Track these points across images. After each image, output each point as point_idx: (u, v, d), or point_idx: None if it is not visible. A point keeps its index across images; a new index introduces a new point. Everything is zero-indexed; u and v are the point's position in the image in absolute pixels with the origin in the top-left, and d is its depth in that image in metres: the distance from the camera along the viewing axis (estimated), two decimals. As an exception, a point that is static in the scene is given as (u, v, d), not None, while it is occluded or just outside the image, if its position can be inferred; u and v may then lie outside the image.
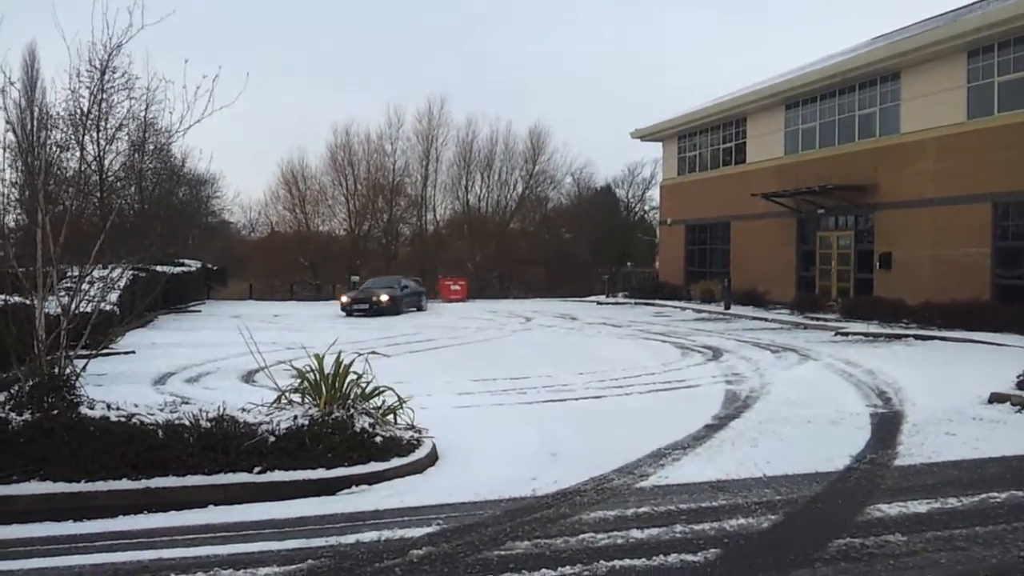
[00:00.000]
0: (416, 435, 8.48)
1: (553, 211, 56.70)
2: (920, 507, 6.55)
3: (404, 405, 8.92)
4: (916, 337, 19.42)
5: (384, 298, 30.01)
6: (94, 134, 29.47)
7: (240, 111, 10.17)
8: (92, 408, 7.62)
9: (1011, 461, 8.17)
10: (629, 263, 52.86)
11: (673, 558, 5.44)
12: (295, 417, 7.93)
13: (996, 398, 10.94)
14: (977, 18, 22.08)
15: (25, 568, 5.49)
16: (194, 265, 35.97)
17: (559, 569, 5.27)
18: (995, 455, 8.34)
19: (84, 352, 8.55)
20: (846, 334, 20.67)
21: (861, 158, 26.19)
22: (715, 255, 35.10)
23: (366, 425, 8.03)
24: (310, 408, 8.20)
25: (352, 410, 8.18)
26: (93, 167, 29.35)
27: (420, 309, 33.23)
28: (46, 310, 8.24)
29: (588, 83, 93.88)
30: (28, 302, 8.36)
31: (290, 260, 49.37)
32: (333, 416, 7.99)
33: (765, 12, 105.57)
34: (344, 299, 30.95)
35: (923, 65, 23.99)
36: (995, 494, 6.89)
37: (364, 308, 29.60)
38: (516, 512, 6.52)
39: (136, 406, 7.87)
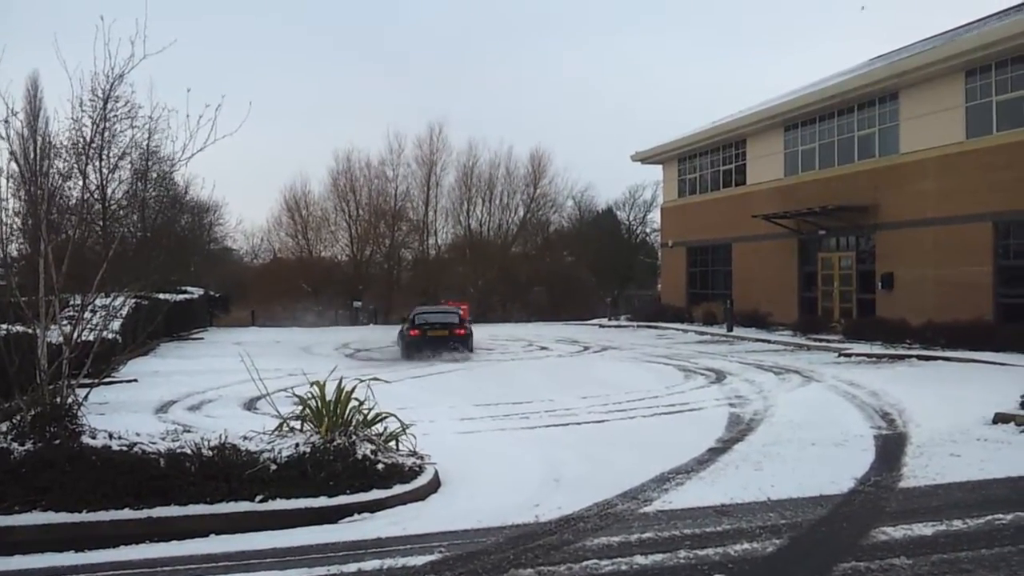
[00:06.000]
0: (418, 462, 8.45)
1: (555, 234, 56.80)
2: (925, 530, 6.52)
3: (406, 431, 8.90)
4: (919, 357, 19.38)
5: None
6: (97, 163, 29.59)
7: (242, 139, 10.22)
8: (94, 437, 7.61)
9: (1017, 482, 8.14)
10: (631, 286, 52.88)
11: (677, 584, 5.41)
12: (297, 445, 7.91)
13: (1000, 418, 10.91)
14: (974, 38, 22.21)
15: (26, 600, 5.46)
16: (196, 292, 35.99)
17: (563, 596, 5.23)
18: (1000, 476, 8.30)
19: (86, 381, 8.55)
20: (849, 355, 20.63)
21: (861, 178, 26.28)
22: (717, 277, 35.11)
23: (368, 452, 8.01)
24: (312, 435, 8.17)
25: (354, 437, 8.16)
26: (96, 196, 29.47)
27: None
28: (48, 339, 8.25)
29: (588, 107, 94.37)
30: (30, 331, 8.37)
31: (293, 286, 49.37)
32: (335, 443, 7.97)
33: (761, 34, 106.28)
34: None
35: (921, 85, 24.10)
36: (1001, 516, 6.85)
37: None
38: (519, 539, 6.49)
39: (138, 435, 7.85)
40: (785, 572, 5.69)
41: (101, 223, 29.23)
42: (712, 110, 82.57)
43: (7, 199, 9.11)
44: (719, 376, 17.18)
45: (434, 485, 8.14)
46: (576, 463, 9.23)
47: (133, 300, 18.15)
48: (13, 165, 15.34)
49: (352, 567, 5.88)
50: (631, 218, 58.45)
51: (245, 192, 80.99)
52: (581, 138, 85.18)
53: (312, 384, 8.79)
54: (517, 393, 15.09)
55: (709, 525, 6.80)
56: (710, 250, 35.58)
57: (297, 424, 8.62)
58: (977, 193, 21.86)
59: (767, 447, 9.89)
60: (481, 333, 33.36)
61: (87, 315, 8.80)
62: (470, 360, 22.13)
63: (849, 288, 27.52)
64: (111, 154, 30.78)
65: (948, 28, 29.79)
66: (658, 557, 5.97)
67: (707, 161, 35.82)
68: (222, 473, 7.41)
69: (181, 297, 31.34)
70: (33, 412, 7.69)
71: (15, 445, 7.29)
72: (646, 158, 39.90)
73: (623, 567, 5.79)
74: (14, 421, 7.71)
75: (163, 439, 7.88)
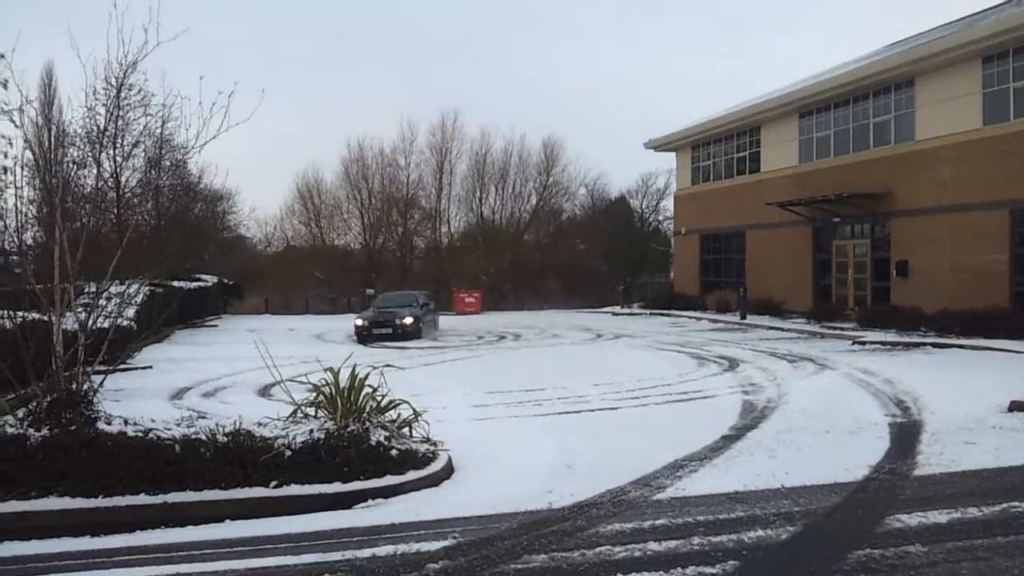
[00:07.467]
0: (432, 448, 8.48)
1: (567, 222, 56.71)
2: (940, 517, 6.48)
3: (419, 418, 8.93)
4: (934, 345, 19.27)
5: (408, 321, 25.74)
6: (111, 151, 29.72)
7: (255, 127, 10.24)
8: (109, 423, 7.67)
9: (1033, 470, 8.09)
10: (644, 274, 52.75)
11: (691, 570, 5.40)
12: (311, 431, 7.95)
13: (1016, 406, 10.83)
14: (992, 23, 21.97)
15: (44, 584, 5.52)
16: (210, 280, 36.17)
17: (576, 582, 5.24)
18: (1016, 464, 8.24)
19: (101, 367, 8.62)
20: (863, 343, 20.53)
21: (876, 166, 26.08)
22: (730, 265, 34.97)
23: (382, 438, 8.04)
24: (326, 422, 8.21)
25: (368, 423, 8.20)
26: (110, 184, 29.59)
27: (435, 328, 28.84)
28: (64, 326, 8.31)
29: (599, 96, 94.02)
30: (46, 318, 8.42)
31: (306, 274, 49.57)
32: (349, 430, 8.01)
33: (769, 21, 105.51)
34: (359, 322, 26.30)
35: (938, 71, 23.87)
36: (1016, 503, 6.81)
37: (386, 333, 25.34)
38: (533, 525, 6.50)
39: (153, 421, 7.91)
40: (799, 559, 5.68)
41: (115, 211, 29.34)
42: (725, 98, 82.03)
43: (22, 187, 9.13)
44: (732, 364, 17.14)
45: (447, 471, 8.16)
46: (589, 450, 9.23)
47: (147, 288, 18.25)
48: (28, 154, 15.39)
49: (366, 552, 5.90)
50: (644, 206, 58.21)
51: (258, 180, 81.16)
52: (593, 127, 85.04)
53: (326, 371, 8.82)
54: (530, 380, 15.10)
55: (722, 512, 6.79)
56: (724, 238, 35.42)
57: (311, 411, 8.65)
58: (994, 180, 21.66)
59: (780, 434, 9.86)
60: (494, 321, 33.48)
61: (102, 302, 8.85)
62: (482, 348, 22.16)
63: (864, 276, 27.37)
64: (125, 142, 30.89)
65: (965, 14, 29.50)
66: (671, 543, 5.96)
67: (721, 148, 35.62)
68: (237, 459, 7.45)
69: (195, 285, 31.53)
70: (49, 398, 7.75)
71: (31, 431, 7.35)
72: (659, 146, 39.71)
73: (636, 553, 5.79)
74: (30, 407, 7.79)
75: (178, 425, 7.93)
